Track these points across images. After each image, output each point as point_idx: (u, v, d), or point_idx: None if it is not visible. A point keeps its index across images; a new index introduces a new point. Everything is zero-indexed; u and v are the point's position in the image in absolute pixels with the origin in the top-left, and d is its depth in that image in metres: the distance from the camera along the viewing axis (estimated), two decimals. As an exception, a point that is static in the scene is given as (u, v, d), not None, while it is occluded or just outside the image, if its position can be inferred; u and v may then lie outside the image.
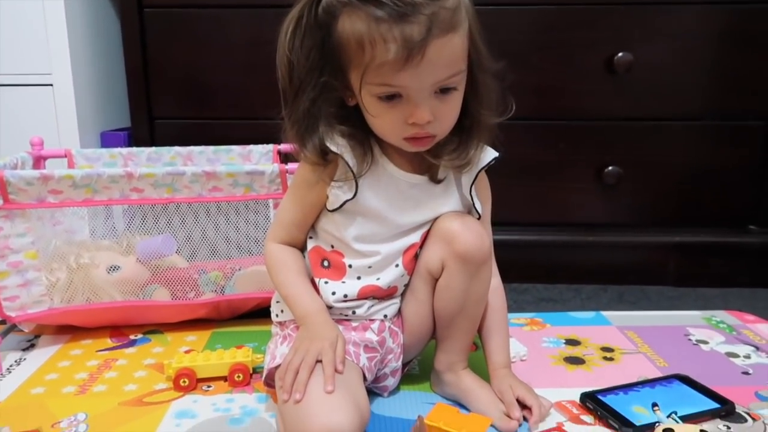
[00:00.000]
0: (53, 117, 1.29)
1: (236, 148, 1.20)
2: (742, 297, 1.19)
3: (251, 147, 1.20)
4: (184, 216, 1.00)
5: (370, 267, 0.74)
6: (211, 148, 1.20)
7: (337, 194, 0.71)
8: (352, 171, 0.69)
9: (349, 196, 0.71)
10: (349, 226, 0.73)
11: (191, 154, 1.19)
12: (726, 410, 0.75)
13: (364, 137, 0.70)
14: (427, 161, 0.72)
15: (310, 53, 0.64)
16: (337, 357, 0.66)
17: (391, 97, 0.64)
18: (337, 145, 0.69)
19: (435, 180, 0.74)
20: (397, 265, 0.75)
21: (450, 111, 0.67)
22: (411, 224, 0.74)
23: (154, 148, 1.18)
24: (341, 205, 0.71)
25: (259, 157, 1.21)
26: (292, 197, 0.76)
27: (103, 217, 1.03)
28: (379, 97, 0.64)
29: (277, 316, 0.80)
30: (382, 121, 0.67)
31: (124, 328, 1.00)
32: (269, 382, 0.74)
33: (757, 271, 1.27)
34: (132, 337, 0.98)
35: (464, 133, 0.71)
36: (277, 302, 0.80)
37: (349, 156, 0.69)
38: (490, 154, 0.74)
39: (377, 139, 0.71)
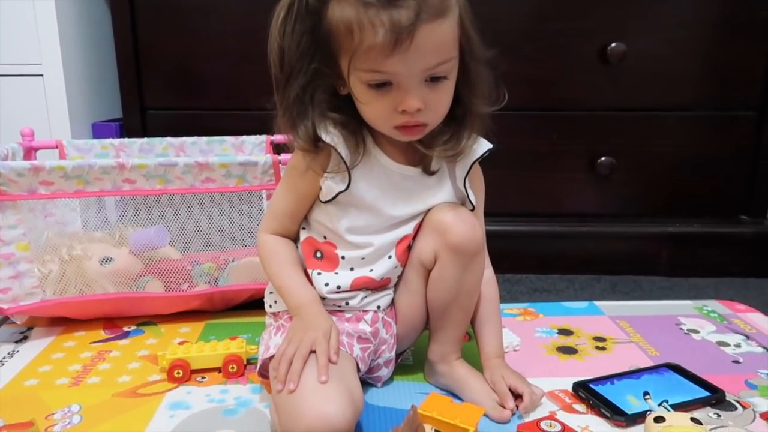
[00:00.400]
0: (44, 107, 1.28)
1: (229, 139, 1.20)
2: (733, 287, 1.20)
3: (244, 138, 1.20)
4: (177, 207, 0.99)
5: (363, 258, 0.74)
6: (204, 138, 1.19)
7: (330, 186, 0.71)
8: (345, 162, 0.69)
9: (342, 187, 0.71)
10: (342, 218, 0.73)
11: (184, 144, 1.18)
12: (716, 398, 0.75)
13: (356, 127, 0.70)
14: (420, 152, 0.72)
15: (301, 40, 0.64)
16: (330, 347, 0.66)
17: (381, 85, 0.64)
18: (330, 134, 0.68)
19: (428, 171, 0.73)
20: (390, 257, 0.75)
21: (441, 100, 0.67)
22: (404, 216, 0.74)
23: (146, 139, 1.17)
24: (334, 197, 0.71)
25: (252, 148, 1.20)
26: (285, 187, 0.76)
27: (96, 208, 1.02)
28: (369, 85, 0.64)
29: (270, 306, 0.80)
30: (372, 109, 0.66)
31: (117, 319, 1.00)
32: (263, 373, 0.74)
33: (749, 261, 1.28)
34: (125, 328, 0.98)
35: (456, 122, 0.71)
36: (271, 293, 0.80)
37: (342, 147, 0.69)
38: (484, 146, 0.74)
39: (370, 130, 0.71)
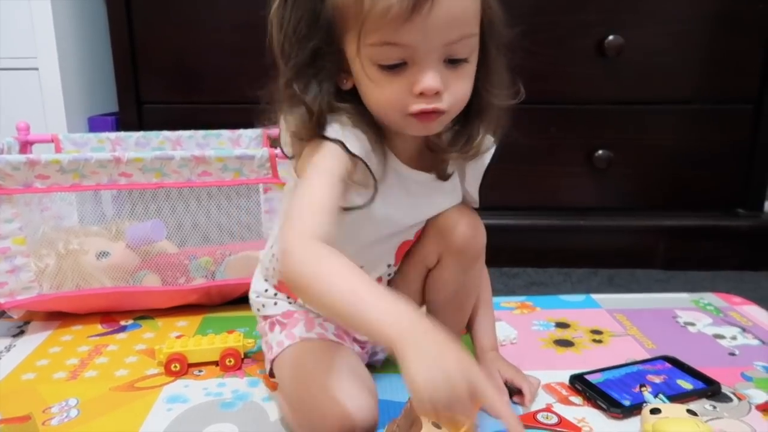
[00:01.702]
0: (39, 102, 1.27)
1: (226, 133, 1.20)
2: (730, 280, 1.20)
3: (241, 131, 1.20)
4: (173, 201, 0.99)
5: (362, 266, 0.69)
6: (201, 132, 1.19)
7: (351, 196, 0.62)
8: (374, 178, 0.61)
9: (361, 202, 0.62)
10: (348, 230, 0.63)
11: (180, 138, 1.18)
12: (712, 390, 0.76)
13: (378, 135, 0.61)
14: (431, 157, 0.66)
15: (298, 25, 0.56)
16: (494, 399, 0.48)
17: (394, 66, 0.55)
18: (361, 144, 0.59)
19: (443, 177, 0.68)
20: (389, 265, 0.73)
21: (461, 85, 0.58)
22: (412, 223, 0.71)
23: (142, 133, 1.17)
24: (353, 208, 0.63)
25: (249, 142, 1.20)
26: (327, 179, 0.58)
27: (92, 202, 1.02)
28: (380, 66, 0.56)
29: (258, 310, 0.77)
30: (384, 92, 0.57)
31: (114, 314, 1.00)
32: (273, 374, 0.72)
33: (746, 253, 1.28)
34: (122, 323, 0.98)
35: (471, 117, 0.63)
36: (257, 297, 0.76)
37: (373, 163, 0.61)
38: (488, 141, 0.69)
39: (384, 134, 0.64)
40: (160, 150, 1.14)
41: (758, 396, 0.76)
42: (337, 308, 0.51)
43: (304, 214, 0.56)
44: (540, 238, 1.30)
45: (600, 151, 1.26)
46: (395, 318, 0.48)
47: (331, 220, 0.56)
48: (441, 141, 0.65)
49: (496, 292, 0.87)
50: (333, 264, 0.52)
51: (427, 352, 0.46)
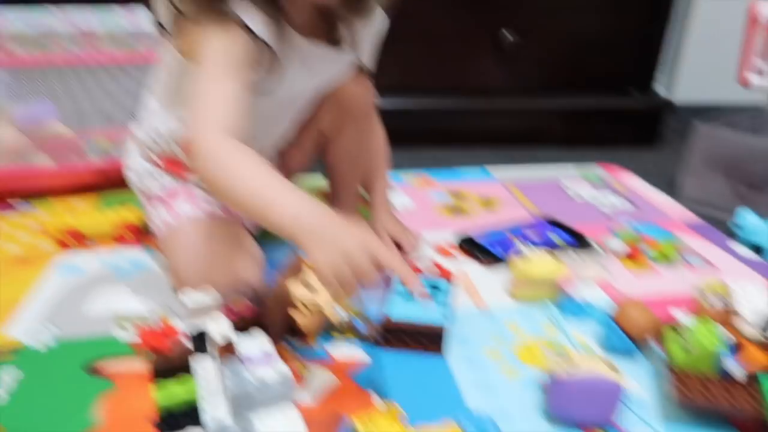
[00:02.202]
0: None
1: (119, 9, 1.13)
2: (620, 156, 1.27)
3: (136, 6, 1.13)
4: (65, 80, 0.94)
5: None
6: (91, 6, 1.11)
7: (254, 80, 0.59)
8: (279, 62, 0.60)
9: (266, 86, 0.61)
10: (251, 110, 0.58)
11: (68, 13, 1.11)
12: (581, 243, 0.84)
13: (274, 9, 0.57)
14: (326, 25, 0.65)
15: None
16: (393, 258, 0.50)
17: None
18: (263, 24, 0.56)
19: (337, 41, 0.67)
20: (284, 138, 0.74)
21: None
22: (311, 98, 0.71)
23: (26, 6, 1.08)
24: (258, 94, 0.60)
25: (144, 17, 1.14)
26: (233, 66, 0.55)
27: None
28: None
29: (141, 190, 0.74)
30: None
31: (6, 195, 0.96)
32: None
33: (637, 132, 1.36)
34: (12, 202, 0.94)
35: None
36: (137, 177, 0.74)
37: (275, 43, 0.57)
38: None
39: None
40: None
41: (622, 248, 0.84)
42: (244, 204, 0.52)
43: (212, 106, 0.54)
44: (446, 120, 1.32)
45: (506, 34, 1.27)
46: (295, 211, 0.49)
47: (239, 110, 0.54)
48: (332, 3, 0.63)
49: (399, 168, 0.90)
50: (242, 160, 0.52)
51: (326, 238, 0.48)
